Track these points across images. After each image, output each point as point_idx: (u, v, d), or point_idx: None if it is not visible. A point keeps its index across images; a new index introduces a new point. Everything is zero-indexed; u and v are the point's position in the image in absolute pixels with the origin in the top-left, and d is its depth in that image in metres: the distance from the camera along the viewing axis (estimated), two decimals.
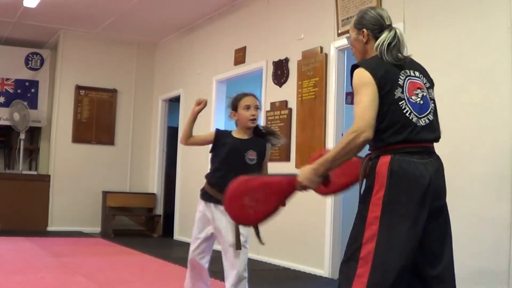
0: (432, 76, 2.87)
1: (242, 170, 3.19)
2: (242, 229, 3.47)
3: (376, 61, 2.69)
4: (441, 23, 4.79)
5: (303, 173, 2.59)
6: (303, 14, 6.62)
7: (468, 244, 4.22)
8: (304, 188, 2.61)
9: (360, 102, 2.58)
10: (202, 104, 3.57)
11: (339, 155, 2.52)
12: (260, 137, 3.59)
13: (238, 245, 3.45)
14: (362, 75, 2.63)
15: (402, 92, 2.63)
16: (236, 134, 3.57)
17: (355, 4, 5.71)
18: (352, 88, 2.70)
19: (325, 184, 2.59)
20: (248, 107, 3.50)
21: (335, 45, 6.00)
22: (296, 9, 6.75)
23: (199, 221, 3.67)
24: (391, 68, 2.67)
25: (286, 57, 6.77)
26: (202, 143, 3.67)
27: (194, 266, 3.71)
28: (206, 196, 3.62)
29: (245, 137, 3.55)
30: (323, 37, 6.19)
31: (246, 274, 3.53)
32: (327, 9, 6.14)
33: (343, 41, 5.91)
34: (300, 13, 6.66)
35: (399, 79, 2.65)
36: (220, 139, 3.55)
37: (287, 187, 2.64)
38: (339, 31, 5.93)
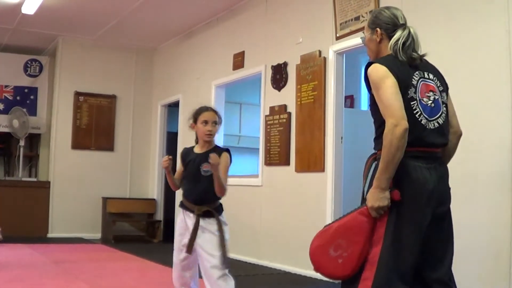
0: (440, 75, 2.86)
1: (197, 181, 3.60)
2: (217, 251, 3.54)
3: (390, 59, 2.68)
4: (439, 25, 4.80)
5: (370, 197, 2.52)
6: (301, 18, 6.62)
7: (468, 245, 4.21)
8: (378, 210, 2.51)
9: (384, 98, 2.56)
10: (167, 162, 3.65)
11: (389, 159, 2.47)
12: (220, 149, 3.71)
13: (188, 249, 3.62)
14: (379, 69, 2.62)
15: (415, 92, 2.61)
16: (196, 149, 3.73)
17: (353, 8, 5.72)
18: (368, 86, 2.68)
19: (395, 195, 2.51)
20: (206, 122, 3.64)
21: (334, 49, 6.01)
22: (294, 13, 6.76)
23: (180, 228, 3.77)
24: (405, 67, 2.65)
25: (285, 61, 6.77)
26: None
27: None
28: (182, 206, 3.76)
29: (203, 150, 3.67)
30: (322, 41, 6.20)
31: None
32: (325, 13, 6.15)
33: (341, 45, 5.92)
34: (298, 17, 6.67)
35: (413, 79, 2.63)
36: (185, 158, 3.74)
37: (365, 219, 2.55)
38: (338, 35, 5.94)
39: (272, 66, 7.01)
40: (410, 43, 2.71)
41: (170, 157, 3.63)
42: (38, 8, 8.04)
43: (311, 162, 6.18)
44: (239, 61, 7.73)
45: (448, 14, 4.73)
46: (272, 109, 6.96)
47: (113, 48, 10.20)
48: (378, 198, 2.50)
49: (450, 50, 4.67)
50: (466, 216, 4.24)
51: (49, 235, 9.55)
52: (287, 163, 6.61)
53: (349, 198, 5.63)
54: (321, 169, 6.03)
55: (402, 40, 2.69)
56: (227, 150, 3.69)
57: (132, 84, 10.39)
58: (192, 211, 3.62)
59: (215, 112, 3.72)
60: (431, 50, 4.75)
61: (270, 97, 7.05)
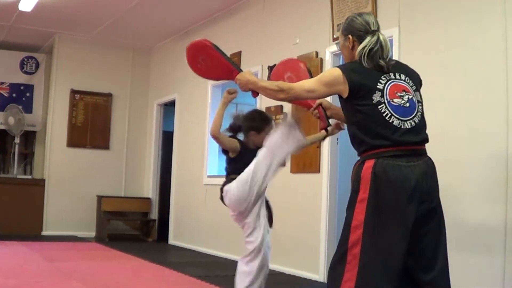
0: (426, 80, 2.87)
1: None
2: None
3: (355, 65, 2.73)
4: (436, 28, 4.81)
5: (243, 77, 3.08)
6: (298, 19, 6.63)
7: (462, 248, 4.22)
8: (235, 82, 3.11)
9: (311, 83, 2.81)
10: (234, 95, 3.74)
11: (263, 90, 2.99)
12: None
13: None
14: (333, 72, 2.73)
15: (382, 96, 2.63)
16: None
17: (350, 9, 5.72)
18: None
19: (253, 95, 3.15)
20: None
21: (330, 50, 6.01)
22: (291, 14, 6.77)
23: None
24: (370, 73, 2.68)
25: None
26: (225, 145, 3.81)
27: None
28: None
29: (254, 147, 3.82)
30: (318, 42, 6.20)
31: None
32: (322, 14, 6.16)
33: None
34: (296, 18, 6.68)
35: (379, 84, 2.65)
36: (244, 149, 3.80)
37: (229, 74, 3.26)
38: (334, 36, 5.94)
39: (268, 67, 7.01)
40: (377, 49, 2.72)
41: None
42: (35, 6, 8.02)
43: (307, 163, 6.18)
44: (235, 61, 7.72)
45: (444, 17, 4.74)
46: (268, 109, 6.94)
47: (110, 46, 10.19)
48: (243, 85, 3.08)
49: (446, 52, 4.68)
50: (460, 217, 4.26)
51: (44, 233, 9.54)
52: (282, 164, 6.59)
53: (344, 199, 5.61)
54: (317, 170, 6.03)
55: (369, 47, 2.72)
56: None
57: (128, 83, 10.38)
58: None
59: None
60: (427, 52, 4.79)
61: (266, 98, 7.02)
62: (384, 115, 2.60)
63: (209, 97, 8.30)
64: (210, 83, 8.31)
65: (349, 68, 2.71)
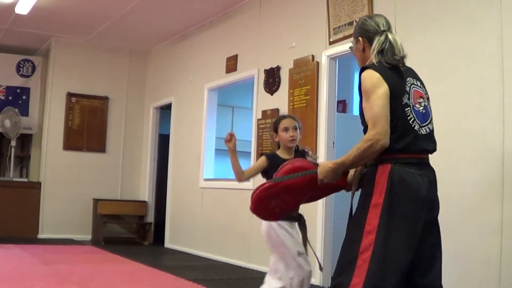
0: (423, 83, 2.88)
1: None
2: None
3: (381, 66, 2.68)
4: (432, 31, 4.82)
5: (324, 171, 2.69)
6: (294, 23, 6.64)
7: (457, 251, 4.23)
8: (322, 182, 2.73)
9: (373, 106, 2.58)
10: (233, 140, 3.76)
11: (356, 160, 2.60)
12: (300, 155, 3.89)
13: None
14: (373, 76, 2.62)
15: (409, 99, 2.63)
16: (282, 154, 3.87)
17: (346, 13, 5.74)
18: (360, 91, 2.68)
19: (343, 182, 2.81)
20: (286, 129, 3.82)
21: (327, 54, 6.02)
22: (287, 18, 6.78)
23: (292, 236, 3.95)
24: (396, 73, 2.66)
25: (278, 65, 6.79)
26: (257, 172, 3.91)
27: None
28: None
29: (290, 156, 3.84)
30: (315, 46, 6.21)
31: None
32: (319, 17, 6.17)
33: (334, 50, 5.94)
34: (292, 21, 6.69)
35: (406, 85, 2.65)
36: (272, 162, 3.80)
37: (310, 185, 2.81)
38: (331, 40, 5.96)
39: (265, 70, 7.02)
40: (388, 48, 2.70)
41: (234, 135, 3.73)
42: (31, 8, 8.02)
43: None
44: (232, 65, 7.74)
45: (440, 21, 4.76)
46: (264, 113, 6.96)
47: (106, 49, 10.19)
48: (330, 177, 2.70)
49: (442, 56, 4.70)
50: (456, 222, 4.27)
51: (40, 236, 9.52)
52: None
53: (339, 202, 5.64)
54: None
55: (380, 47, 2.69)
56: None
57: (124, 86, 10.38)
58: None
59: (293, 118, 3.91)
60: (423, 56, 4.80)
61: (262, 101, 7.06)
62: (408, 118, 2.60)
63: (205, 101, 8.31)
64: (206, 86, 8.32)
65: (379, 69, 2.64)
